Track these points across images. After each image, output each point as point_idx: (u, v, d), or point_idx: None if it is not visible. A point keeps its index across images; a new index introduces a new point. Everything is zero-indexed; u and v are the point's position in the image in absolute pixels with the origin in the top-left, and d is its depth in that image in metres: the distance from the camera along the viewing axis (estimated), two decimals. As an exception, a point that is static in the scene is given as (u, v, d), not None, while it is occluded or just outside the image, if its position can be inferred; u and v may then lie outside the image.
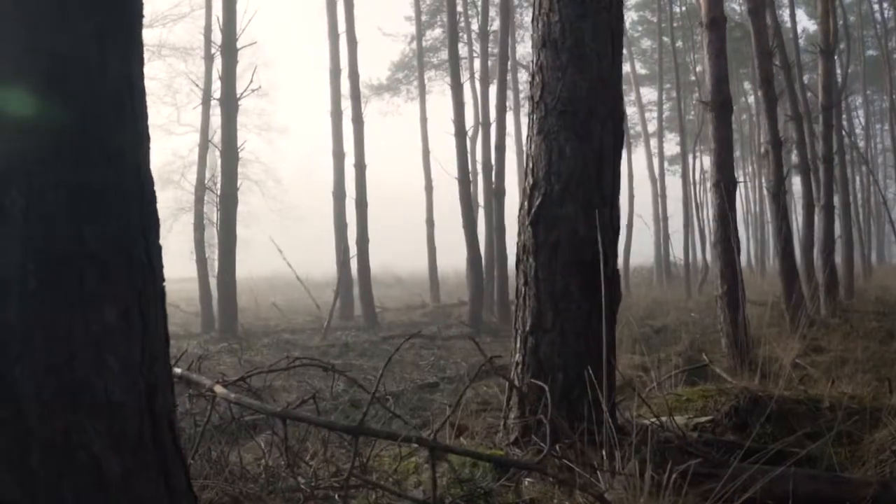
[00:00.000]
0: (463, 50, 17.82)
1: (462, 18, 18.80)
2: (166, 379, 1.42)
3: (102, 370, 1.25)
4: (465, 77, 14.65)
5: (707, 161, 26.36)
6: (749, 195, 30.42)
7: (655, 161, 24.05)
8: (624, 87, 5.58)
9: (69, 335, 1.23)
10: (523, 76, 23.97)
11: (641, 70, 28.49)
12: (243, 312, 12.23)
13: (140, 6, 1.45)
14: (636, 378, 4.85)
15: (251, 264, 17.09)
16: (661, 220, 22.54)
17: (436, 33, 23.45)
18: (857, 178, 24.63)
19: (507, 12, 14.35)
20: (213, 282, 11.81)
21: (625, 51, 16.48)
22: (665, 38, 23.06)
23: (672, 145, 28.76)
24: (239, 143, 11.20)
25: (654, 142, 24.90)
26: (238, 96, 10.92)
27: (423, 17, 21.71)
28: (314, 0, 38.25)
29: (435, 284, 18.05)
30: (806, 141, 11.32)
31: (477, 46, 18.40)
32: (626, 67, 22.92)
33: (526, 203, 3.28)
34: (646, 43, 28.69)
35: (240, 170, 11.74)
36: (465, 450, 2.34)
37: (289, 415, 2.33)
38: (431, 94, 24.79)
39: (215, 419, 2.94)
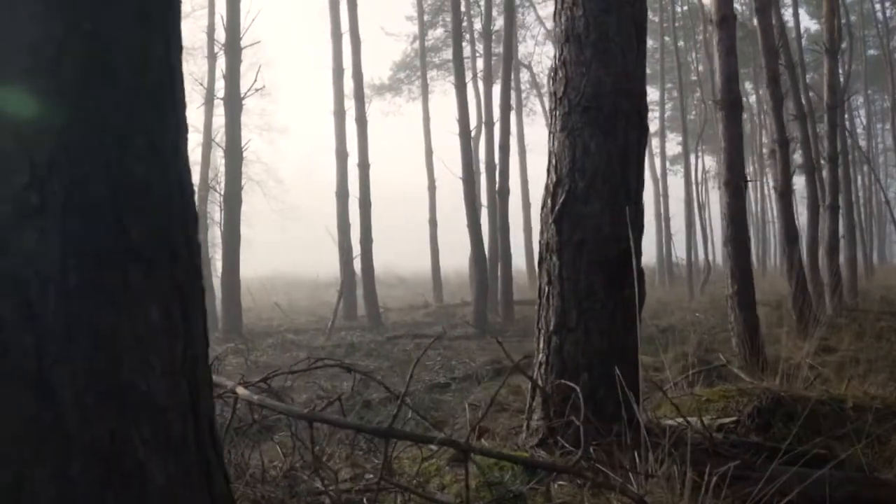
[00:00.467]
0: (465, 49, 17.77)
1: (465, 18, 18.75)
2: (207, 380, 1.35)
3: (147, 372, 1.18)
4: (467, 77, 14.59)
5: (709, 161, 26.44)
6: (750, 195, 30.43)
7: (657, 161, 24.07)
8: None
9: (114, 336, 1.16)
10: (524, 76, 23.95)
11: (642, 70, 28.45)
12: (246, 313, 12.16)
13: None
14: (649, 378, 4.80)
15: (253, 264, 17.03)
16: (663, 219, 22.53)
17: (438, 33, 23.44)
18: (859, 178, 24.63)
19: (511, 12, 14.31)
20: (215, 282, 11.75)
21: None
22: (667, 38, 23.05)
23: (673, 145, 28.80)
24: (242, 143, 11.17)
25: (655, 141, 24.89)
26: (242, 96, 10.87)
27: (426, 17, 21.69)
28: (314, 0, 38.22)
29: (438, 285, 18.03)
30: (810, 140, 11.28)
31: (479, 46, 18.37)
32: (627, 67, 22.80)
33: (549, 200, 3.22)
34: (647, 42, 28.70)
35: (242, 170, 11.69)
36: (500, 453, 2.28)
37: (316, 417, 2.28)
38: (433, 94, 24.80)
39: (234, 421, 2.88)
